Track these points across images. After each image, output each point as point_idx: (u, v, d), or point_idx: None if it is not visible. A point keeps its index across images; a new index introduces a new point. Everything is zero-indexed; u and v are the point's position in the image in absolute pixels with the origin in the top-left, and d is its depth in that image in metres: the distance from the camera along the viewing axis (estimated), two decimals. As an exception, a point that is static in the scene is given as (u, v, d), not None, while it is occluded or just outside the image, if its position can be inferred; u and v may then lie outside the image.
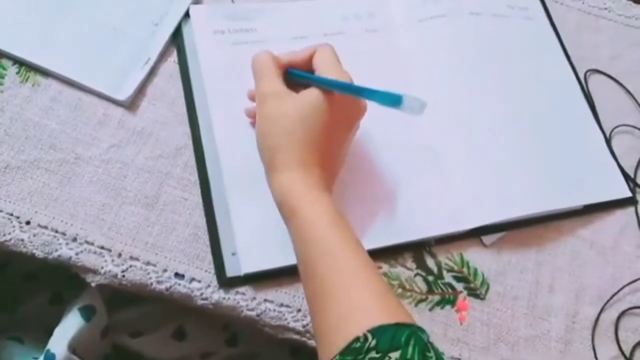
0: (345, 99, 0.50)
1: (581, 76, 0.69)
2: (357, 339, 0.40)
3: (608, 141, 0.66)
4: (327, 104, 0.49)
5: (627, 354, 0.57)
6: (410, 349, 0.39)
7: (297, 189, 0.47)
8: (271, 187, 0.49)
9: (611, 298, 0.59)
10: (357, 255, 0.45)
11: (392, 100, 0.46)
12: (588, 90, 0.69)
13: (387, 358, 0.39)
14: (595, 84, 0.70)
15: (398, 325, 0.40)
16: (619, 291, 0.59)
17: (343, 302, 0.43)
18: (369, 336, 0.40)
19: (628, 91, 0.70)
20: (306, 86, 0.50)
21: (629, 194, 0.64)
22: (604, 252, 0.61)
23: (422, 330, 0.41)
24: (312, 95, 0.49)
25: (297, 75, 0.52)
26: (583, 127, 0.66)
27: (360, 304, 0.43)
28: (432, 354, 0.40)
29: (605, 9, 0.75)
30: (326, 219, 0.46)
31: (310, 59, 0.52)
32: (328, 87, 0.49)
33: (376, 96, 0.47)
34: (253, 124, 0.54)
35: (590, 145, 0.66)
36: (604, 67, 0.71)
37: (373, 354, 0.39)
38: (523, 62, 0.67)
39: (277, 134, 0.48)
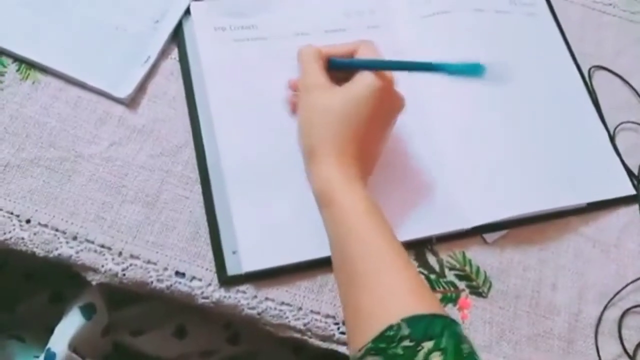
0: (388, 92, 0.51)
1: (585, 72, 0.69)
2: (390, 327, 0.40)
3: (612, 138, 0.66)
4: (370, 95, 0.50)
5: (631, 352, 0.57)
6: (444, 340, 0.39)
7: (334, 179, 0.48)
8: (309, 176, 0.50)
9: (614, 296, 0.59)
10: (391, 245, 0.46)
11: (473, 70, 0.46)
12: (592, 87, 0.68)
13: (420, 347, 0.39)
14: (599, 80, 0.69)
15: (432, 316, 0.41)
16: (622, 289, 0.59)
17: (377, 290, 0.43)
18: (403, 325, 0.40)
19: (632, 88, 0.70)
20: (346, 81, 0.51)
21: (633, 192, 0.63)
22: (608, 250, 0.61)
23: (456, 323, 0.42)
24: (356, 89, 0.50)
25: (350, 64, 0.53)
26: (586, 124, 0.66)
27: (394, 292, 0.43)
28: (466, 345, 0.40)
29: (610, 4, 0.75)
30: (362, 208, 0.47)
31: (351, 54, 0.53)
32: (397, 68, 0.51)
33: (454, 69, 0.47)
34: (292, 112, 0.56)
35: (594, 142, 0.65)
36: (608, 63, 0.70)
37: (406, 343, 0.39)
38: (526, 59, 0.67)
39: (318, 125, 0.50)
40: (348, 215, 0.47)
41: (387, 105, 0.52)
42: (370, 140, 0.51)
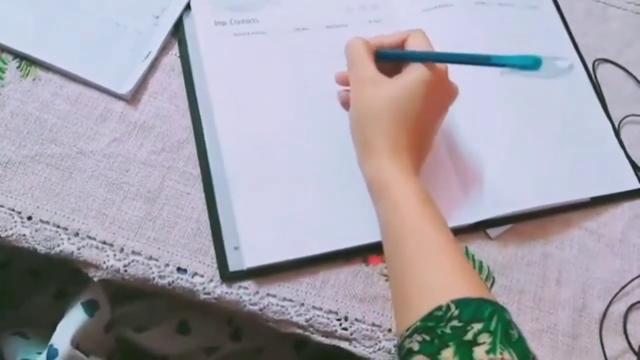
0: (440, 84, 0.51)
1: (589, 65, 0.68)
2: (439, 308, 0.40)
3: (616, 132, 0.65)
4: (423, 88, 0.49)
5: (636, 348, 0.56)
6: (493, 323, 0.39)
7: (388, 169, 0.49)
8: (363, 168, 0.51)
9: (619, 291, 0.58)
10: (443, 232, 0.46)
11: (530, 63, 0.46)
12: (596, 80, 0.68)
13: (469, 328, 0.39)
14: (604, 73, 0.69)
15: (482, 300, 0.41)
16: (627, 284, 0.59)
17: (427, 274, 0.44)
18: (452, 306, 0.40)
19: (637, 80, 0.69)
20: (396, 71, 0.51)
21: (638, 186, 0.63)
22: (612, 245, 0.60)
23: (505, 309, 0.42)
24: (406, 82, 0.50)
25: (399, 56, 0.53)
26: (591, 118, 0.65)
27: (444, 276, 0.44)
28: (515, 331, 0.40)
29: (614, -4, 0.74)
30: (415, 197, 0.47)
31: (401, 44, 0.53)
32: (447, 61, 0.50)
33: (511, 61, 0.47)
34: (344, 106, 0.55)
35: (599, 135, 0.65)
36: (612, 56, 0.70)
37: (455, 323, 0.39)
38: (529, 52, 0.66)
39: (371, 118, 0.50)
40: (402, 205, 0.47)
41: (440, 97, 0.52)
42: (422, 130, 0.51)
